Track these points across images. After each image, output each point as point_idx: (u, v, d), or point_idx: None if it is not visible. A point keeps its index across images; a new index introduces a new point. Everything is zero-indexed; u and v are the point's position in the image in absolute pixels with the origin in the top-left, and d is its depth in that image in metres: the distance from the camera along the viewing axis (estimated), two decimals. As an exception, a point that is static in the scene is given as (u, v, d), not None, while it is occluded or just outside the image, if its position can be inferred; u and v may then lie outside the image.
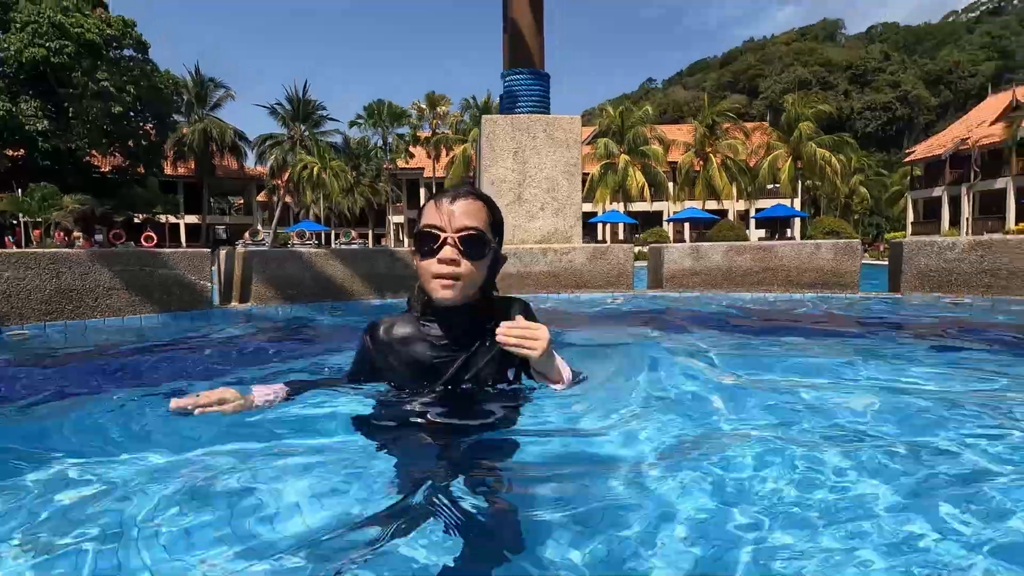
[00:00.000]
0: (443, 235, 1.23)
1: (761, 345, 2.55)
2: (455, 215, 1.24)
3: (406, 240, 42.49)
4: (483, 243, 1.25)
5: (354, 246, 33.38)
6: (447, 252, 1.23)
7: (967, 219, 33.51)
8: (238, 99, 42.16)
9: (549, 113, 4.96)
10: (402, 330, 1.36)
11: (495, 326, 1.25)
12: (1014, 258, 3.65)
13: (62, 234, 27.26)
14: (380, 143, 42.92)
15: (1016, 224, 25.59)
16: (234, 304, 4.07)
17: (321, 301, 4.02)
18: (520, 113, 4.85)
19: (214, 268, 4.27)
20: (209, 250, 3.74)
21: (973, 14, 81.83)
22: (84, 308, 3.13)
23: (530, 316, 1.35)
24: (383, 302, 4.16)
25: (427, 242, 1.25)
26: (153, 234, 32.93)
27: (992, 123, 34.04)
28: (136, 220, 34.66)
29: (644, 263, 5.54)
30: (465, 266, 1.24)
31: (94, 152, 30.92)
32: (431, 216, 1.26)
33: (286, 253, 4.13)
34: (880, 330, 3.03)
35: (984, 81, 51.14)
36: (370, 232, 43.59)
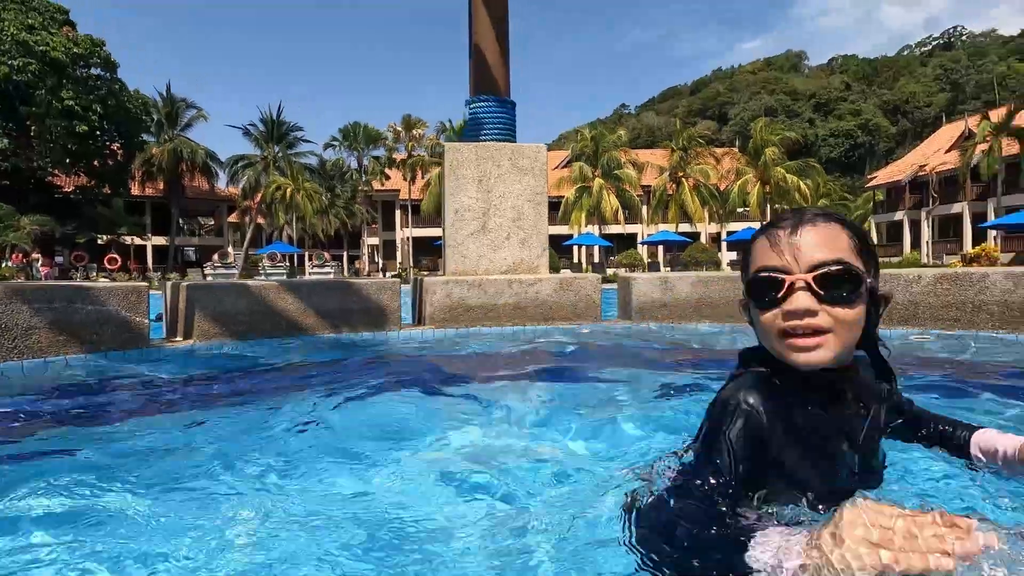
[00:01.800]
0: (787, 279, 0.90)
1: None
2: (803, 248, 0.91)
3: (381, 262, 42.11)
4: (854, 280, 0.90)
5: (327, 268, 32.87)
6: (800, 300, 0.89)
7: (927, 242, 34.71)
8: (210, 121, 41.62)
9: (515, 140, 4.87)
10: (778, 403, 0.93)
11: (888, 395, 0.99)
12: (979, 292, 3.65)
13: (20, 256, 26.21)
14: (355, 165, 42.76)
15: (973, 248, 26.56)
16: (177, 341, 3.81)
17: (271, 337, 3.79)
18: (485, 140, 4.75)
19: (160, 295, 4.01)
20: (147, 284, 3.50)
21: (926, 48, 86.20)
22: (0, 350, 2.86)
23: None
24: (338, 337, 3.95)
25: (766, 291, 0.92)
26: (117, 256, 31.95)
27: (947, 151, 35.58)
28: (100, 242, 33.61)
29: (613, 285, 5.45)
30: (831, 316, 0.89)
31: (57, 172, 30.01)
32: (765, 255, 0.93)
33: (234, 286, 3.90)
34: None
35: (938, 111, 53.66)
36: (345, 254, 43.08)
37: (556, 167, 40.33)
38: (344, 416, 1.96)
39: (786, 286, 0.90)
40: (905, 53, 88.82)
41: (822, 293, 0.89)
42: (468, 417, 1.93)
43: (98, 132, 29.43)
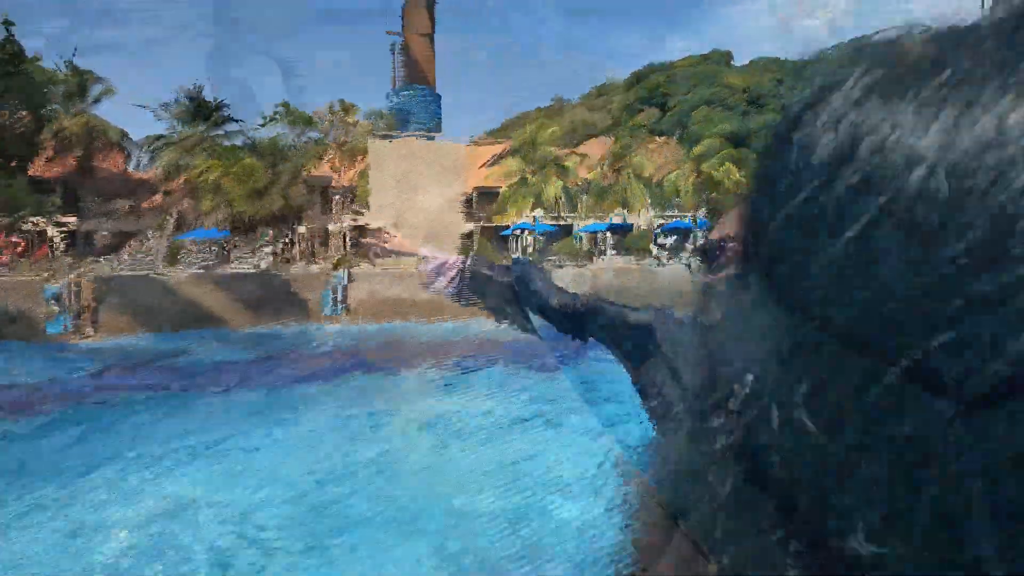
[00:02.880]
0: None
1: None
2: None
3: (318, 249, 40.75)
4: None
5: (257, 256, 31.56)
6: None
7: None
8: (120, 97, 38.38)
9: (440, 131, 5.00)
10: None
11: None
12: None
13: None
14: (293, 144, 40.92)
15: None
16: (87, 334, 3.71)
17: (187, 330, 3.76)
18: (410, 131, 4.84)
19: (58, 288, 3.91)
20: (46, 275, 3.40)
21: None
22: None
23: None
24: (255, 330, 3.96)
25: None
26: (20, 240, 29.22)
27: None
28: (-3, 225, 30.61)
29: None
30: None
31: (-57, 147, 27.02)
32: None
33: (145, 278, 3.83)
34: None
35: (853, 112, 57.44)
36: (281, 242, 41.35)
37: (488, 164, 40.29)
38: (243, 410, 2.07)
39: None
40: (820, 57, 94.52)
41: None
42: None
43: (-6, 104, 26.67)
